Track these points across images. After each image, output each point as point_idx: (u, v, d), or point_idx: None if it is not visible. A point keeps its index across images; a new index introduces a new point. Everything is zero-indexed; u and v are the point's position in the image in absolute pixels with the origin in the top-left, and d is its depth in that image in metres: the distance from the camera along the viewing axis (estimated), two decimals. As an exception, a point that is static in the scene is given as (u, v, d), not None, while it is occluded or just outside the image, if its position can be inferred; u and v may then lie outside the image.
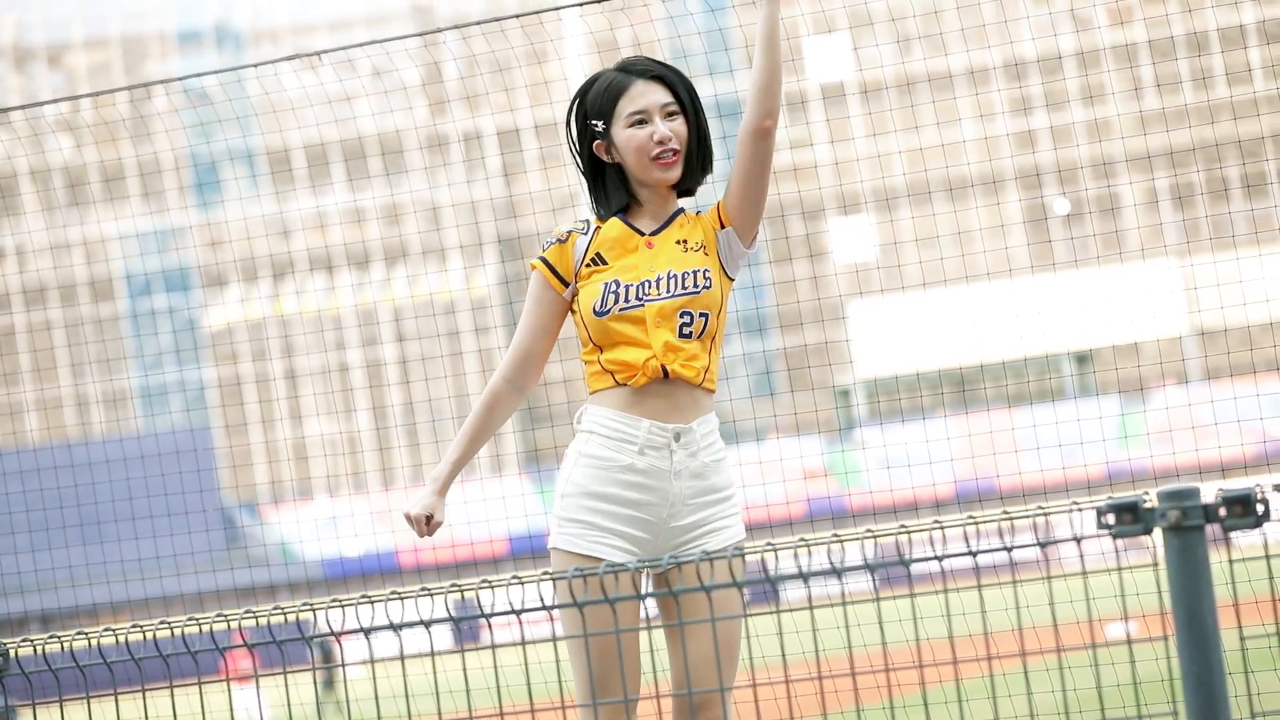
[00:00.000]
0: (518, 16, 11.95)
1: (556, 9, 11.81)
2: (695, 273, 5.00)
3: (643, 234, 5.06)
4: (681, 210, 5.15)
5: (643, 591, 4.84)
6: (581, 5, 11.10)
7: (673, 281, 4.98)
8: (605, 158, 5.09)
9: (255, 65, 11.85)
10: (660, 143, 5.02)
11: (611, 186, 5.10)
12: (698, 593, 4.79)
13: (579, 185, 5.33)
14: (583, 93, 5.13)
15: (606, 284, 4.99)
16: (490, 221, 47.90)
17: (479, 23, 12.03)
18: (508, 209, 48.64)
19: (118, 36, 57.94)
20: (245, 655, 23.97)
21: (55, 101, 12.65)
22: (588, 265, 5.04)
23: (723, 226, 5.07)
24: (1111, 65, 46.03)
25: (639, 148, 5.02)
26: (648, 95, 5.04)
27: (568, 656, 4.94)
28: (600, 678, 4.84)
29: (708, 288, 5.00)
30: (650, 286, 4.99)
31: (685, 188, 5.16)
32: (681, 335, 4.97)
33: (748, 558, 4.88)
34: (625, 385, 4.97)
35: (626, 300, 4.98)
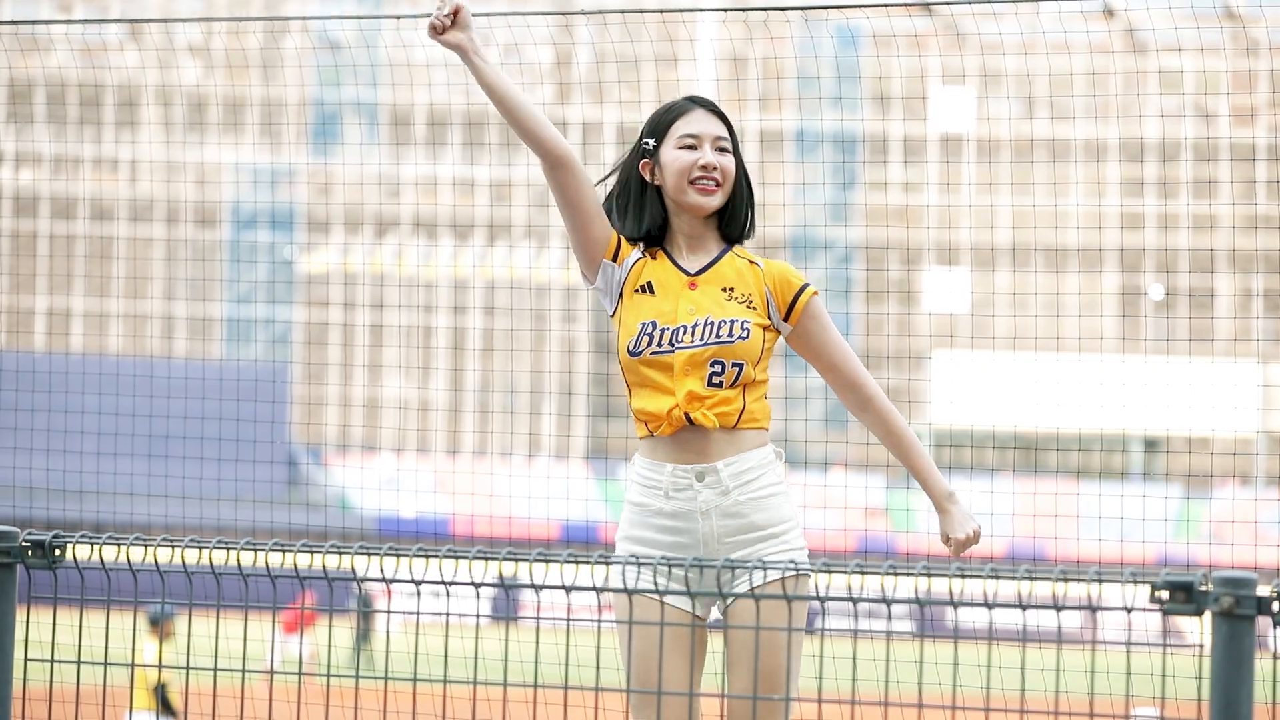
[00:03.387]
0: (661, 12, 12.04)
1: (698, 10, 11.89)
2: (733, 322, 4.92)
3: (688, 273, 5.00)
4: (730, 249, 5.06)
5: (694, 642, 4.91)
6: (725, 12, 11.19)
7: (708, 329, 4.90)
8: (648, 177, 5.04)
9: (397, 17, 11.96)
10: (704, 168, 4.97)
11: (650, 208, 5.04)
12: (751, 626, 4.84)
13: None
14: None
15: (644, 324, 4.93)
16: (596, 211, 47.92)
17: (621, 11, 12.13)
18: (615, 200, 48.80)
19: (262, -32, 58.34)
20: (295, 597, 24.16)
21: (191, 20, 12.83)
22: (639, 290, 4.98)
23: (785, 318, 5.01)
24: (1231, 157, 45.69)
25: (681, 169, 4.97)
26: (705, 124, 5.01)
27: (620, 666, 4.97)
28: (643, 679, 4.87)
29: (744, 338, 4.92)
30: (685, 333, 4.90)
31: (724, 232, 5.08)
32: (711, 384, 4.89)
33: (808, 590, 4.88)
34: (655, 435, 4.93)
35: (660, 345, 4.91)
